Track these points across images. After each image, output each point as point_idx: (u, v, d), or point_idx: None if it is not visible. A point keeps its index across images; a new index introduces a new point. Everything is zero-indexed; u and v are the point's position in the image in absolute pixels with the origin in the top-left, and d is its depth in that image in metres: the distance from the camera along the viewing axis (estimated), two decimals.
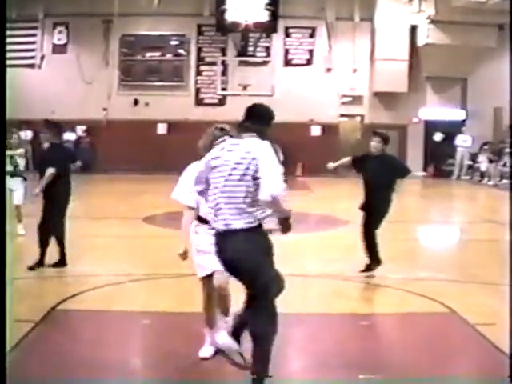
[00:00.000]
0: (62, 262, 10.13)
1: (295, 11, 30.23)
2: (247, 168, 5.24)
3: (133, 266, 10.49)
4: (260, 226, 5.35)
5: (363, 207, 10.10)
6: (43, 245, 10.06)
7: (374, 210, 9.95)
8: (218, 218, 5.37)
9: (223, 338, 5.75)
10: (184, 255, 6.21)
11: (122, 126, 29.68)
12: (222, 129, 6.20)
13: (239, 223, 5.26)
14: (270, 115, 5.66)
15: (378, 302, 9.21)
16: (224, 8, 28.66)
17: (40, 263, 10.00)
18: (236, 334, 5.69)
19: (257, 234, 5.32)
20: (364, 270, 10.01)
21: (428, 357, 6.45)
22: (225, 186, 5.31)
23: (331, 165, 10.61)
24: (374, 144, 10.05)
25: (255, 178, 5.21)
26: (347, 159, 10.57)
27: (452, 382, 6.00)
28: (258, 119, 5.55)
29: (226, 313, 6.43)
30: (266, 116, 5.64)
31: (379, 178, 9.83)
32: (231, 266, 5.42)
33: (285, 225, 5.32)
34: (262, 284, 5.35)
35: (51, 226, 10.09)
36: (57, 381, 5.74)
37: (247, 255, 5.26)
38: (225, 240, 5.34)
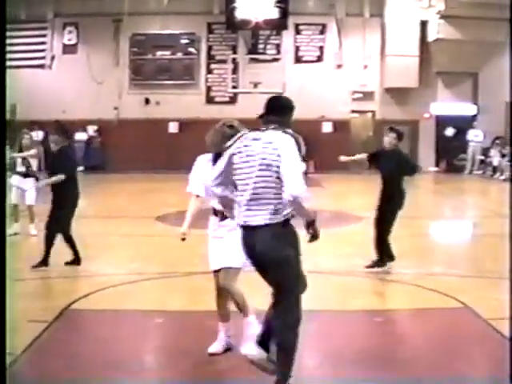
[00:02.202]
0: (76, 260, 10.12)
1: (305, 8, 30.24)
2: (271, 164, 5.15)
3: (145, 264, 10.50)
4: (287, 221, 5.25)
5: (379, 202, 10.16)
6: (48, 245, 10.01)
7: (388, 205, 9.98)
8: (244, 212, 5.28)
9: (250, 349, 5.51)
10: (183, 235, 6.42)
11: (133, 125, 29.74)
12: (231, 126, 6.09)
13: (266, 218, 5.18)
14: (291, 105, 5.60)
15: (392, 298, 9.18)
16: (234, 6, 28.71)
17: (44, 262, 9.91)
18: (264, 342, 5.47)
19: (284, 230, 5.24)
20: (371, 266, 10.00)
21: (442, 352, 6.42)
22: (251, 181, 5.22)
23: (344, 158, 10.77)
24: (389, 139, 10.15)
25: (278, 175, 5.13)
26: (362, 156, 10.66)
27: (465, 378, 5.98)
28: (279, 111, 5.47)
29: (242, 311, 6.31)
30: (286, 107, 5.57)
31: (392, 173, 9.89)
32: (259, 262, 5.32)
33: (310, 231, 5.18)
34: (289, 281, 5.25)
35: (59, 228, 10.05)
36: (71, 380, 5.74)
37: (274, 250, 5.17)
38: (252, 235, 5.25)
